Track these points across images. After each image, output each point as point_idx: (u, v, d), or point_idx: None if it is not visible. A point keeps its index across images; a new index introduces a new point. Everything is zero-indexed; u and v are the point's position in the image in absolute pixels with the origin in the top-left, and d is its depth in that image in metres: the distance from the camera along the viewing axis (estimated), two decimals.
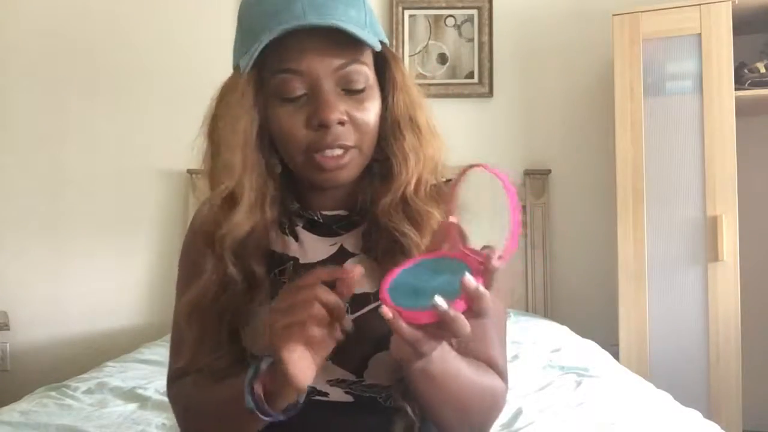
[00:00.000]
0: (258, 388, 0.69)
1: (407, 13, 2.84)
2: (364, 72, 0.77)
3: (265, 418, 0.69)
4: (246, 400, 0.68)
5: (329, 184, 0.78)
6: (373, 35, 0.78)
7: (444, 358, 0.69)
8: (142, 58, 2.90)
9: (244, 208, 0.77)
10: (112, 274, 2.86)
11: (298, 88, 0.75)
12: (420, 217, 0.78)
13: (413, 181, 0.79)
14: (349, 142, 0.76)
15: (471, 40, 2.83)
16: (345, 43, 0.74)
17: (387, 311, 0.59)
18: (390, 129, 0.80)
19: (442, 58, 2.84)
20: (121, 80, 2.91)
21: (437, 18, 2.84)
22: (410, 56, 2.83)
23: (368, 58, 0.78)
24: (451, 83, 2.82)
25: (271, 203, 0.79)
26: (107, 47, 2.91)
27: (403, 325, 0.59)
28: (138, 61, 2.90)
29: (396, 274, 0.64)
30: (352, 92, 0.76)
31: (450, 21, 2.84)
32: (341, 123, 0.75)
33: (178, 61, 2.87)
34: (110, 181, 2.89)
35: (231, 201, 0.78)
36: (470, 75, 2.82)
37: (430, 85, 2.81)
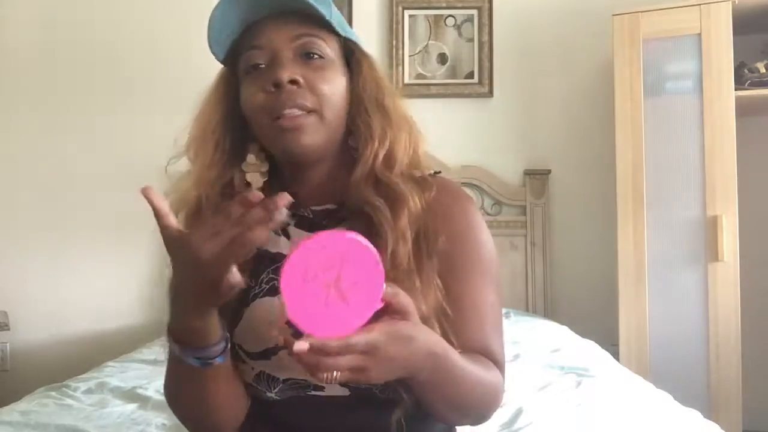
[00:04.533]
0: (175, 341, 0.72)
1: (407, 13, 2.84)
2: (322, 46, 0.81)
3: (197, 362, 0.72)
4: (173, 350, 0.73)
5: (294, 148, 0.79)
6: (339, 26, 0.82)
7: (436, 364, 0.69)
8: (143, 58, 2.90)
9: (192, 178, 0.84)
10: (112, 274, 2.86)
11: (260, 61, 0.80)
12: (392, 192, 0.80)
13: (381, 155, 0.81)
14: (307, 104, 0.78)
15: (471, 40, 2.83)
16: (305, 23, 0.80)
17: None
18: (356, 109, 0.83)
19: (442, 58, 2.84)
20: (121, 80, 2.91)
21: (437, 18, 2.84)
22: (410, 56, 2.83)
23: (330, 40, 0.82)
24: (451, 83, 2.82)
25: (213, 185, 0.83)
26: (107, 47, 2.91)
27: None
28: (138, 61, 2.90)
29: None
30: (310, 62, 0.80)
31: (450, 21, 2.84)
32: (294, 82, 0.78)
33: (179, 61, 2.87)
34: (110, 181, 2.89)
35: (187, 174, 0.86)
36: (470, 75, 2.82)
37: (430, 85, 2.81)
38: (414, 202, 0.79)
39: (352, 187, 0.80)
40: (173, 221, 0.66)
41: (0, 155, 2.93)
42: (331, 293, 0.60)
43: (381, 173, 0.80)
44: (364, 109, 0.83)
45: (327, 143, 0.81)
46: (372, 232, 0.77)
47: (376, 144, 0.81)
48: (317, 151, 0.81)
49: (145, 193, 0.66)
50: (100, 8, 2.93)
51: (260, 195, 0.62)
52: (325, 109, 0.79)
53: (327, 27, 0.81)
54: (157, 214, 0.66)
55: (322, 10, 0.78)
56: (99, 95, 2.91)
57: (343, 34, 0.83)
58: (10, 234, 2.90)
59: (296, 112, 0.77)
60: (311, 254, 0.59)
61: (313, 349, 0.59)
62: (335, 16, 0.82)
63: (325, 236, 0.60)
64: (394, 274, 0.74)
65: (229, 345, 0.76)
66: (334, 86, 0.80)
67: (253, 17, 0.80)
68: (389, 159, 0.81)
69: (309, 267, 0.59)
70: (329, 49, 0.82)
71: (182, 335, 0.72)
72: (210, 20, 0.79)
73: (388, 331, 0.62)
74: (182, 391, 0.80)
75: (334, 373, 0.61)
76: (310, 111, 0.78)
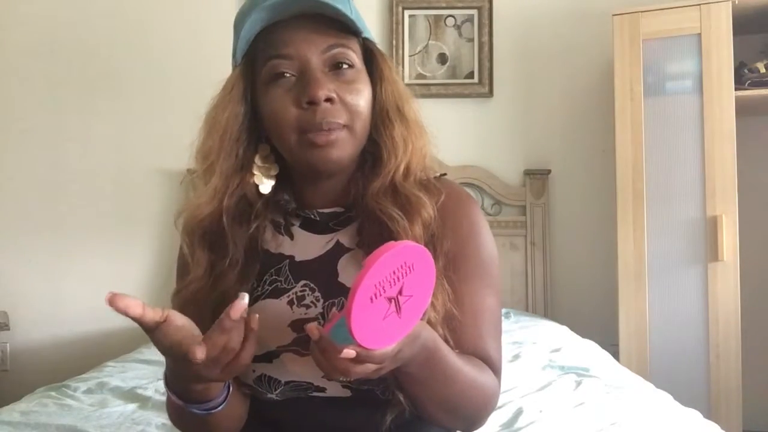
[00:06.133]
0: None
1: (407, 13, 2.84)
2: (351, 56, 0.80)
3: (199, 411, 0.74)
4: (174, 399, 0.74)
5: (323, 164, 0.79)
6: (360, 25, 0.81)
7: (427, 358, 0.70)
8: (142, 58, 2.90)
9: (208, 192, 0.80)
10: (112, 274, 2.85)
11: (288, 72, 0.78)
12: (409, 202, 0.80)
13: (402, 167, 0.81)
14: (340, 120, 0.77)
15: (471, 40, 2.83)
16: (331, 29, 0.78)
17: (311, 330, 0.63)
18: (379, 118, 0.82)
19: (442, 58, 2.84)
20: (121, 80, 2.91)
21: (437, 18, 2.84)
22: (410, 56, 2.83)
23: (355, 46, 0.81)
24: (451, 83, 2.82)
25: (231, 195, 0.81)
26: (107, 47, 2.91)
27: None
28: (138, 61, 2.90)
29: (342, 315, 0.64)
30: (340, 73, 0.78)
31: (450, 21, 2.84)
32: (329, 100, 0.76)
33: (178, 61, 2.87)
34: (110, 181, 2.89)
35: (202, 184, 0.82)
36: (470, 75, 2.82)
37: (430, 85, 2.81)
38: (427, 211, 0.79)
39: (370, 197, 0.80)
40: (150, 317, 0.64)
41: (0, 155, 2.93)
42: (390, 307, 0.60)
43: (400, 184, 0.81)
44: (387, 118, 0.82)
45: (354, 155, 0.81)
46: (384, 238, 0.77)
47: (399, 157, 0.81)
48: (344, 165, 0.80)
49: (114, 303, 0.62)
50: (100, 9, 2.93)
51: (241, 309, 0.64)
52: (356, 122, 0.78)
53: (351, 30, 0.80)
54: (137, 320, 0.64)
55: (346, 12, 0.77)
56: (98, 95, 2.91)
57: (364, 35, 0.82)
58: (10, 234, 2.90)
59: (329, 130, 0.76)
60: (384, 270, 0.58)
61: (357, 359, 0.60)
62: (354, 13, 0.81)
63: (398, 248, 0.59)
64: None
65: (231, 389, 0.76)
66: (364, 98, 0.80)
67: (274, 20, 0.77)
68: (407, 169, 0.82)
69: (379, 284, 0.58)
70: (356, 57, 0.80)
71: (182, 394, 0.72)
72: (239, 30, 0.78)
73: (409, 334, 0.64)
74: (186, 425, 0.82)
75: None
76: (342, 127, 0.77)
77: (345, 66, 0.79)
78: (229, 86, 0.82)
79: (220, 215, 0.80)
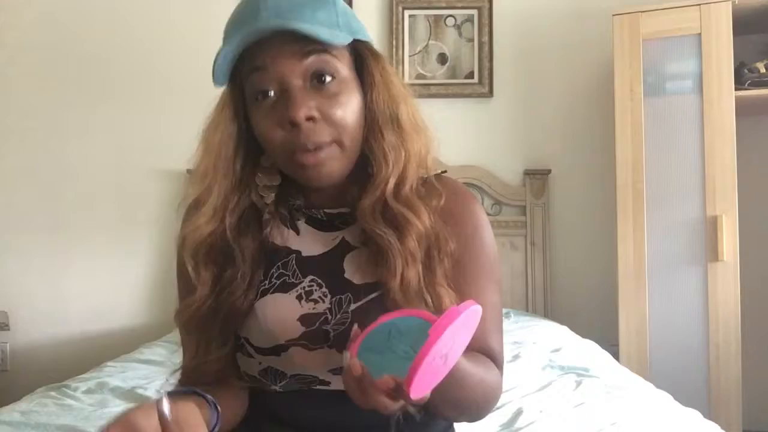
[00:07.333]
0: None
1: (407, 13, 2.84)
2: (334, 64, 0.77)
3: None
4: None
5: (315, 182, 0.79)
6: (348, 34, 0.78)
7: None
8: (143, 58, 2.90)
9: (207, 212, 0.80)
10: (112, 274, 2.86)
11: (268, 86, 0.76)
12: (398, 220, 0.78)
13: (392, 182, 0.79)
14: (325, 139, 0.76)
15: (471, 40, 2.83)
16: (311, 41, 0.74)
17: (355, 366, 0.62)
18: (370, 128, 0.80)
19: (442, 58, 2.84)
20: (121, 80, 2.91)
21: (437, 18, 2.84)
22: (410, 56, 2.83)
23: (340, 52, 0.78)
24: (451, 83, 2.82)
25: (232, 212, 0.81)
26: (108, 47, 2.91)
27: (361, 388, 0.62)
28: (138, 61, 2.90)
29: (367, 334, 0.65)
30: (323, 87, 0.76)
31: (450, 21, 2.84)
32: (311, 119, 0.75)
33: (179, 61, 2.87)
34: (110, 181, 2.89)
35: (199, 205, 0.81)
36: (470, 75, 2.82)
37: (430, 85, 2.81)
38: (422, 221, 0.78)
39: (359, 212, 0.79)
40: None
41: (0, 155, 2.93)
42: (441, 360, 0.62)
43: (390, 200, 0.79)
44: (378, 127, 0.80)
45: (347, 167, 0.80)
46: (382, 250, 0.77)
47: (390, 168, 0.79)
48: (338, 178, 0.79)
49: None
50: (101, 9, 2.93)
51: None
52: (344, 137, 0.77)
53: (325, 41, 0.76)
54: None
55: (326, 32, 0.73)
56: (99, 95, 2.91)
57: (351, 38, 0.79)
58: (10, 234, 2.90)
59: (316, 150, 0.75)
60: (445, 336, 0.59)
61: (397, 396, 0.61)
62: (341, 16, 0.77)
63: (460, 319, 0.61)
64: (404, 297, 0.75)
65: (220, 410, 0.71)
66: (350, 109, 0.77)
67: (252, 40, 0.75)
68: (401, 181, 0.80)
69: (438, 347, 0.59)
70: (340, 63, 0.77)
71: None
72: (215, 59, 0.76)
73: None
74: None
75: None
76: (329, 143, 0.76)
77: (328, 78, 0.76)
78: (221, 106, 0.82)
79: (223, 231, 0.80)
